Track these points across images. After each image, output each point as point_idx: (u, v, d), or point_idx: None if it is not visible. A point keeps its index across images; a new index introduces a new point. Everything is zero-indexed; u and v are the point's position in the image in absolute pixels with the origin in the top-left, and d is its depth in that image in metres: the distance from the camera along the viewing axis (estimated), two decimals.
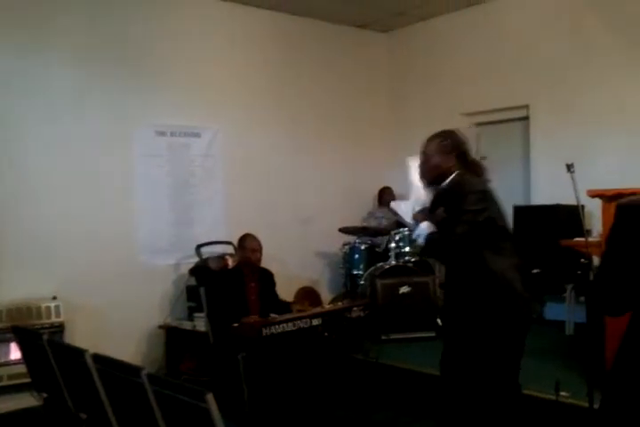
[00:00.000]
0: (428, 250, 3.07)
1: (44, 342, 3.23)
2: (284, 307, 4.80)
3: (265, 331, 3.98)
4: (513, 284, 2.91)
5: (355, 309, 5.00)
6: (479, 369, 2.94)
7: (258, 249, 4.73)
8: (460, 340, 3.08)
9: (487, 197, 2.95)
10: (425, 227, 3.00)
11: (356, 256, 6.14)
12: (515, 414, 2.98)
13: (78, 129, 5.16)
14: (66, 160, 5.10)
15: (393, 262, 5.83)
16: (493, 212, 2.94)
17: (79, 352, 2.91)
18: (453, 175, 3.05)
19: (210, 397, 2.12)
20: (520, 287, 2.92)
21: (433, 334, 5.47)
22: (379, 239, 6.28)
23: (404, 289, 5.39)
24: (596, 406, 3.26)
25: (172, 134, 5.76)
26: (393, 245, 6.00)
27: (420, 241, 3.02)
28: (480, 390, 2.95)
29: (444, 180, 3.06)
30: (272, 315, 4.66)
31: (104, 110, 5.29)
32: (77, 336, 4.62)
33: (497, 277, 2.91)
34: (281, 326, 4.14)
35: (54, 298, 4.75)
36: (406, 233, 6.16)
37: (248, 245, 4.72)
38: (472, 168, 3.10)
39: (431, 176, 3.13)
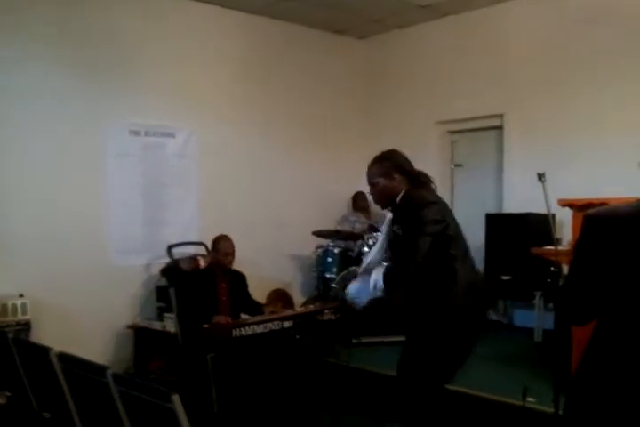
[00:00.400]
0: (391, 283, 2.99)
1: (8, 340, 3.19)
2: (257, 308, 4.79)
3: (235, 332, 3.97)
4: (463, 294, 2.95)
5: (326, 312, 5.01)
6: (417, 371, 3.04)
7: (231, 253, 4.72)
8: (407, 343, 3.19)
9: (442, 208, 3.01)
10: (373, 277, 2.99)
11: (329, 259, 6.14)
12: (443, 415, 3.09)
13: (50, 127, 5.09)
14: (37, 158, 5.03)
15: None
16: (449, 221, 2.99)
17: (44, 350, 2.87)
18: (402, 193, 3.10)
19: (176, 397, 2.10)
20: (469, 298, 2.96)
21: (404, 339, 5.47)
22: (352, 243, 6.29)
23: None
24: (561, 411, 3.30)
25: (147, 134, 5.71)
26: (366, 249, 6.00)
27: (379, 287, 2.97)
28: (417, 390, 3.04)
29: (396, 200, 3.12)
30: (243, 316, 4.65)
31: (77, 109, 5.23)
32: (44, 335, 4.54)
33: (449, 286, 2.95)
34: (251, 327, 4.13)
35: (21, 296, 4.68)
36: (380, 239, 6.17)
37: (221, 248, 4.71)
38: (420, 182, 3.15)
39: (383, 200, 3.21)
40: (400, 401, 3.15)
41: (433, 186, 3.20)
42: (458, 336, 3.02)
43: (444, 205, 3.09)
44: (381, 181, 3.15)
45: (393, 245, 3.11)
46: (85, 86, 5.27)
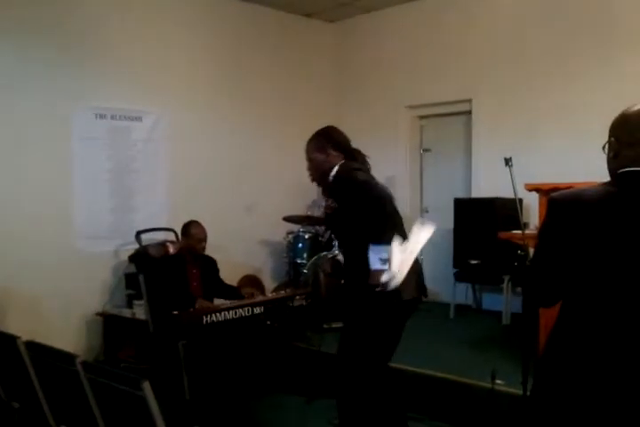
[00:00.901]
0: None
1: None
2: (233, 292, 4.77)
3: (206, 319, 3.95)
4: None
5: (297, 297, 5.03)
6: (357, 351, 3.06)
7: (203, 238, 4.70)
8: (347, 323, 3.23)
9: (379, 186, 3.01)
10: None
11: (300, 245, 6.14)
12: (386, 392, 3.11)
13: (12, 109, 4.97)
14: (0, 142, 4.92)
15: (336, 252, 5.85)
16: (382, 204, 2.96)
17: (11, 339, 2.83)
18: (337, 167, 3.11)
19: (146, 385, 2.09)
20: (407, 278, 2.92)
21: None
22: (322, 229, 6.29)
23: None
24: (529, 393, 3.36)
25: (113, 117, 5.61)
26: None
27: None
28: (356, 370, 3.06)
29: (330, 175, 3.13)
30: (217, 300, 4.64)
31: (41, 91, 5.10)
32: (11, 324, 4.46)
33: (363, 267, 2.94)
34: (222, 313, 4.12)
35: None
36: None
37: (194, 235, 4.67)
38: (354, 156, 3.16)
39: (319, 175, 3.22)
40: (339, 380, 3.15)
41: (369, 166, 3.20)
42: (395, 316, 3.04)
43: (379, 188, 3.06)
44: (316, 156, 3.17)
45: (329, 218, 3.09)
46: (48, 68, 5.14)
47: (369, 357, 3.05)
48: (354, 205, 2.97)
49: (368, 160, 3.23)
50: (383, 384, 3.12)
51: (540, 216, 4.03)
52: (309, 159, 3.23)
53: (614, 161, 1.78)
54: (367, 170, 3.17)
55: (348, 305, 3.15)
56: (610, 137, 1.81)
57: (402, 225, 3.08)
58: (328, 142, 3.16)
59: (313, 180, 3.30)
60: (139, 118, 5.77)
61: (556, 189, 3.51)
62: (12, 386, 3.05)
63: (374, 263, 2.84)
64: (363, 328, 3.05)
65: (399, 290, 2.86)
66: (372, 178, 3.09)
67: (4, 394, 3.11)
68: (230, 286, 4.91)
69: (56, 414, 2.78)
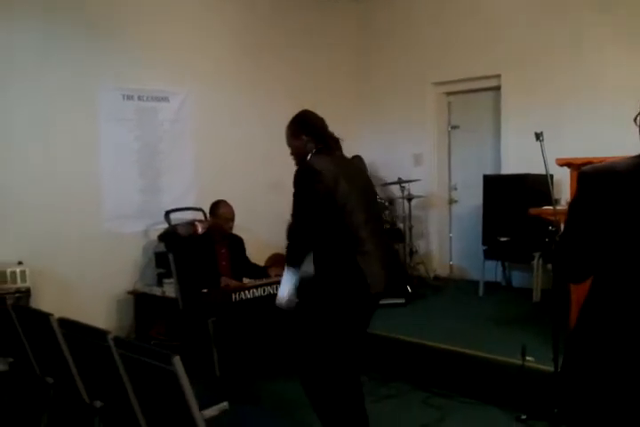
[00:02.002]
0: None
1: (7, 306, 3.19)
2: (260, 271, 4.79)
3: (235, 296, 3.98)
4: (346, 265, 2.87)
5: None
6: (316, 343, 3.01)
7: (231, 218, 4.70)
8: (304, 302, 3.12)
9: (329, 176, 2.87)
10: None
11: None
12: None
13: (42, 91, 5.01)
14: (30, 123, 4.97)
15: None
16: (341, 189, 2.87)
17: (44, 316, 2.88)
18: (310, 155, 3.05)
19: (177, 360, 2.10)
20: (355, 269, 2.85)
21: (402, 301, 5.52)
22: None
23: None
24: (560, 370, 3.34)
25: (140, 98, 5.63)
26: None
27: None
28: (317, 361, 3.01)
29: None
30: (245, 280, 4.66)
31: (69, 73, 5.14)
32: (44, 302, 4.54)
33: (330, 258, 2.90)
34: (251, 291, 4.15)
35: (20, 263, 4.67)
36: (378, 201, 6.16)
37: (222, 214, 4.68)
38: (325, 145, 3.07)
39: (299, 162, 3.13)
40: (301, 369, 3.11)
41: (338, 153, 3.11)
42: (360, 309, 2.97)
43: (338, 172, 2.92)
44: (292, 142, 3.13)
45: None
46: (75, 49, 5.17)
47: (330, 349, 2.97)
48: (295, 195, 2.93)
49: (339, 147, 3.14)
50: (347, 377, 3.04)
51: (571, 192, 3.96)
52: (288, 146, 3.18)
53: None
54: (338, 158, 3.07)
55: (311, 296, 3.03)
56: None
57: (361, 221, 2.93)
58: (301, 128, 3.11)
59: (296, 165, 3.19)
60: (165, 99, 5.78)
61: (588, 163, 3.43)
62: (47, 362, 3.10)
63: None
64: (324, 320, 2.95)
65: (368, 283, 2.83)
66: (340, 168, 2.96)
67: (39, 370, 3.17)
68: (257, 266, 4.93)
69: (89, 389, 2.82)
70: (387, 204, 6.33)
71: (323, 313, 2.95)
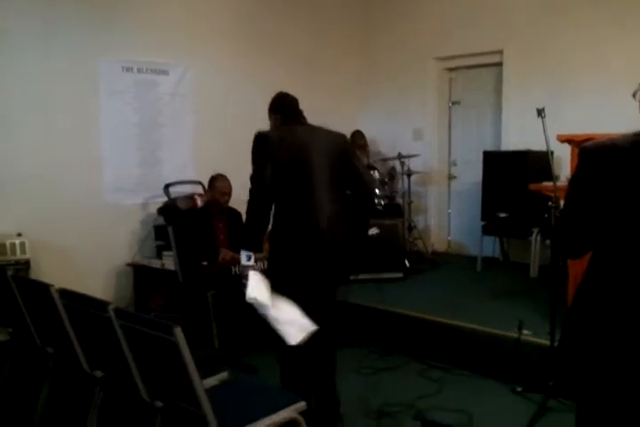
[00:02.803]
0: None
1: (8, 277, 3.20)
2: None
3: (235, 269, 3.99)
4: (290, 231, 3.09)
5: None
6: None
7: (227, 192, 4.71)
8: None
9: (275, 142, 3.13)
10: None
11: None
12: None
13: (42, 63, 4.96)
14: (30, 95, 4.92)
15: None
16: (273, 151, 3.09)
17: (45, 287, 2.89)
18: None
19: (178, 330, 2.12)
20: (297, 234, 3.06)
21: (400, 275, 5.55)
22: None
23: (373, 231, 5.41)
24: (556, 344, 3.37)
25: (140, 71, 5.58)
26: None
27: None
28: None
29: None
30: None
31: (68, 44, 5.08)
32: (44, 274, 4.55)
33: (277, 215, 3.12)
34: None
35: (19, 235, 4.67)
36: (377, 176, 6.16)
37: (218, 188, 4.69)
38: (292, 118, 3.33)
39: None
40: None
41: (301, 126, 3.30)
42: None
43: (290, 138, 3.18)
44: (269, 119, 3.45)
45: None
46: (75, 21, 5.10)
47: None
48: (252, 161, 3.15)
49: (299, 120, 3.35)
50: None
51: (571, 168, 3.95)
52: None
53: None
54: (299, 129, 3.26)
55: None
56: None
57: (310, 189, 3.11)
58: (273, 108, 3.44)
59: None
60: (165, 72, 5.73)
61: (589, 139, 3.42)
62: (47, 332, 3.12)
63: (242, 259, 3.08)
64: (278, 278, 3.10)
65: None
66: (295, 136, 3.20)
67: (40, 340, 3.19)
68: None
69: (90, 359, 2.85)
70: (385, 179, 6.31)
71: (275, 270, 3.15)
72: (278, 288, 2.99)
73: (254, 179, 3.08)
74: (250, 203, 3.08)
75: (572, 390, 1.83)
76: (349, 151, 3.34)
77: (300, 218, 3.07)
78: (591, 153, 1.72)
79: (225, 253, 4.45)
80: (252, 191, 3.08)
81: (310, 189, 3.08)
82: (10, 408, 3.40)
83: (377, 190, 5.96)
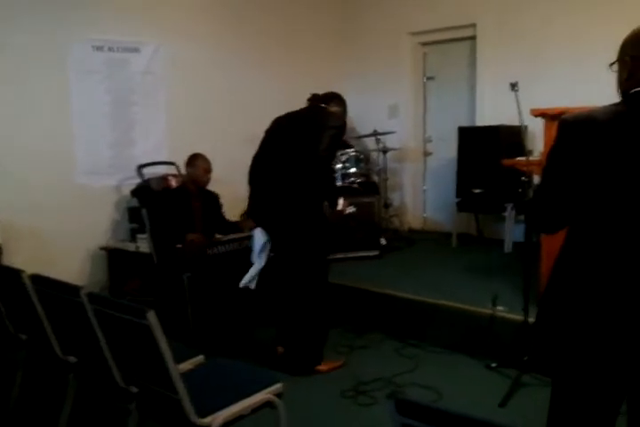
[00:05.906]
0: None
1: None
2: (232, 227, 4.77)
3: (210, 251, 3.96)
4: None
5: None
6: None
7: (209, 170, 4.65)
8: None
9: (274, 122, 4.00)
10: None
11: None
12: None
13: (10, 43, 4.83)
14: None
15: (339, 183, 5.82)
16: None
17: (16, 273, 2.84)
18: None
19: (151, 314, 2.10)
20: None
21: (377, 253, 5.56)
22: None
23: (350, 209, 5.40)
24: (530, 319, 3.40)
25: (110, 49, 5.46)
26: (339, 165, 5.97)
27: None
28: None
29: None
30: (217, 235, 4.64)
31: (36, 22, 4.95)
32: (17, 259, 4.49)
33: None
34: (225, 245, 4.13)
35: None
36: (352, 154, 6.13)
37: (199, 165, 4.61)
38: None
39: None
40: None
41: (298, 111, 4.10)
42: None
43: (276, 123, 4.05)
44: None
45: None
46: None
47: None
48: None
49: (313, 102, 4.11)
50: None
51: (545, 142, 3.97)
52: None
53: (627, 82, 1.71)
54: (291, 114, 4.00)
55: None
56: (623, 56, 1.74)
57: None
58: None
59: None
60: (136, 49, 5.61)
61: (563, 113, 3.43)
62: (20, 319, 3.09)
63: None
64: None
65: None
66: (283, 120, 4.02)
67: (12, 327, 3.15)
68: (231, 223, 4.90)
69: (63, 345, 2.82)
70: (361, 156, 6.27)
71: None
72: None
73: None
74: None
75: (549, 366, 1.84)
76: None
77: None
78: (570, 125, 1.71)
79: (192, 237, 4.37)
80: None
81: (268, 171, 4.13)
82: None
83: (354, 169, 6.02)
